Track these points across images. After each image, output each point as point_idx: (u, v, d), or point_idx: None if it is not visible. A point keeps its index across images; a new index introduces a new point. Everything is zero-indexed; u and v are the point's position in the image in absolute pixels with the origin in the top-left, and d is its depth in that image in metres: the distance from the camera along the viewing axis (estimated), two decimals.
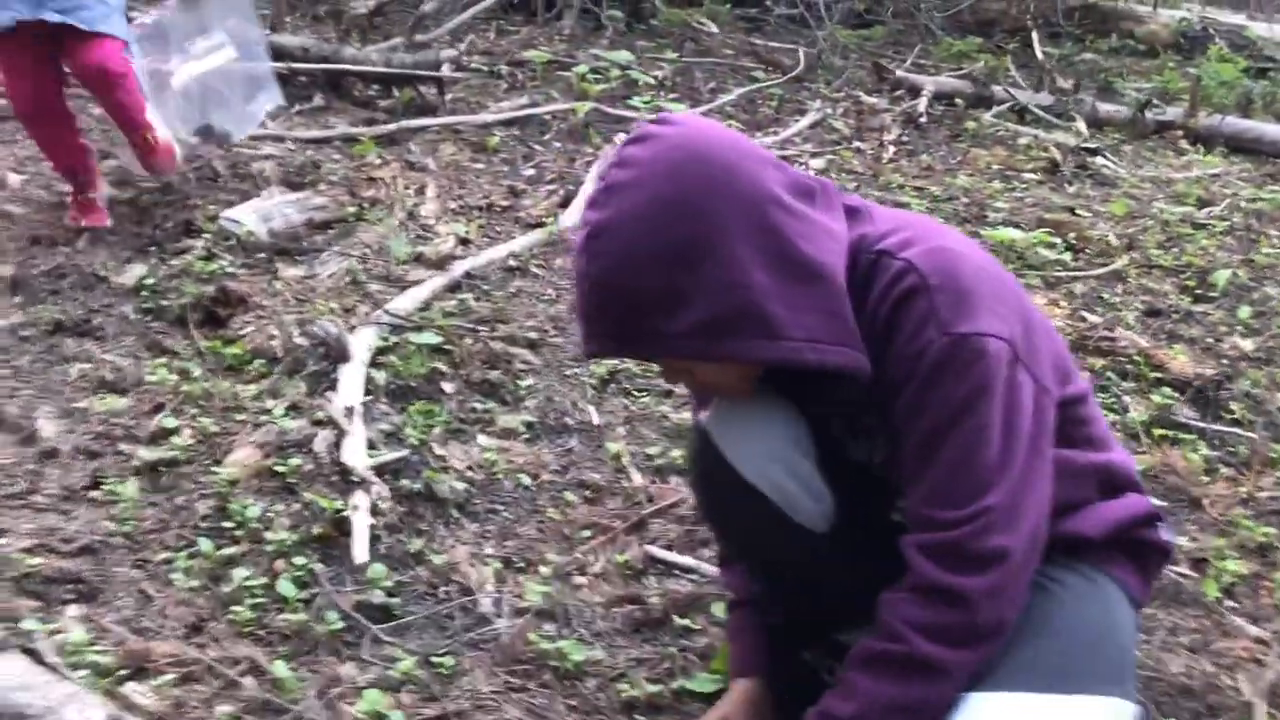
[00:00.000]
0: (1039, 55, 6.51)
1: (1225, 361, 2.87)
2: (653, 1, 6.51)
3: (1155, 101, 5.40)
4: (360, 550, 1.98)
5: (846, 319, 1.35)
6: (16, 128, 3.51)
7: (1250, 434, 2.58)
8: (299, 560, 1.97)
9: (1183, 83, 5.91)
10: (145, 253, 2.98)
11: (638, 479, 2.31)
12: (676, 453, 2.38)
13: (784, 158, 4.32)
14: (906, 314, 1.35)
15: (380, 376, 2.50)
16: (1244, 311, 3.18)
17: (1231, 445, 2.54)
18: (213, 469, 2.19)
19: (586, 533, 2.15)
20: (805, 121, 4.69)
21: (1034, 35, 6.85)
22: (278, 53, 4.47)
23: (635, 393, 2.61)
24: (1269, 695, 1.86)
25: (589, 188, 3.60)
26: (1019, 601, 1.39)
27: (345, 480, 2.16)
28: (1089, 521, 1.50)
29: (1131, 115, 5.30)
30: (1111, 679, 1.39)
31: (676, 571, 2.07)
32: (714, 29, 6.49)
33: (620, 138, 4.11)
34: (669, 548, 2.12)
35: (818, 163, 4.24)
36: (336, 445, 2.24)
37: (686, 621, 1.93)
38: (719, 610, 1.92)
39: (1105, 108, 5.41)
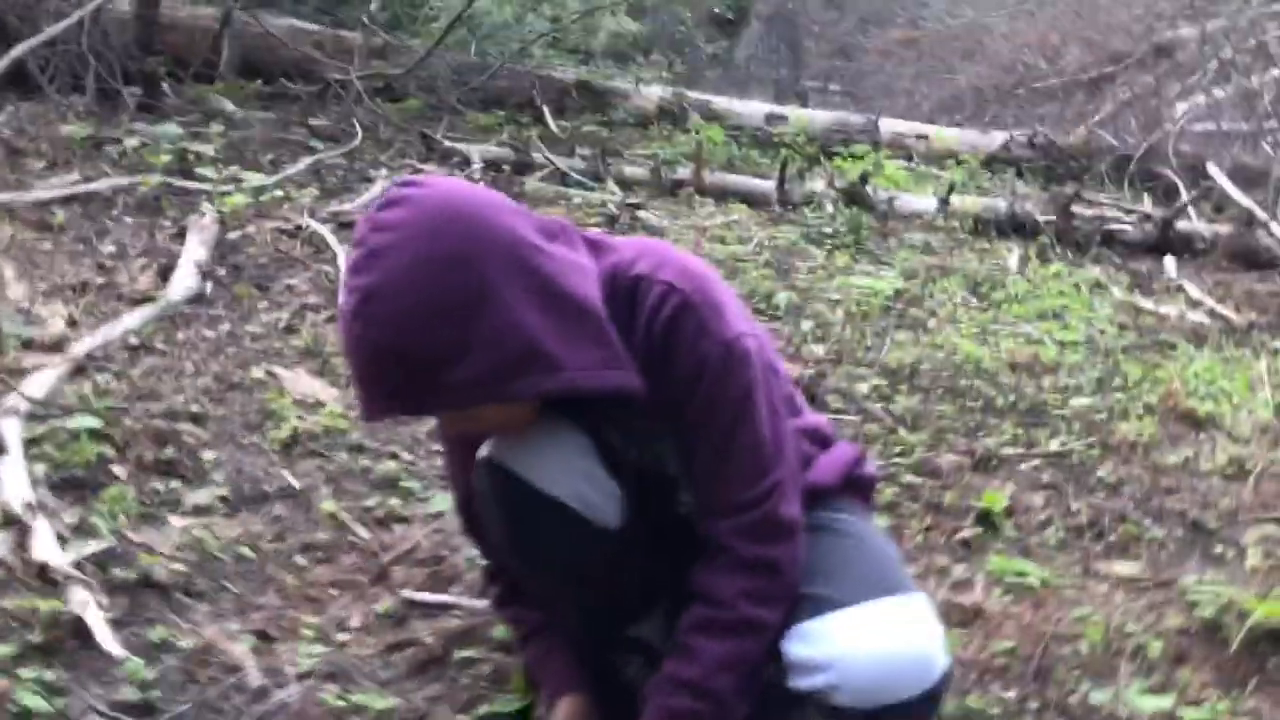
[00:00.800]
0: (553, 128, 7.11)
1: (811, 364, 3.39)
2: (168, 82, 6.20)
3: (666, 163, 6.11)
4: (109, 644, 1.77)
5: (613, 343, 1.51)
6: None
7: (850, 418, 3.09)
8: (26, 673, 1.72)
9: (681, 146, 6.75)
10: None
11: (363, 533, 2.27)
12: (394, 501, 2.38)
13: None
14: (681, 329, 1.53)
15: (40, 469, 2.22)
16: (806, 325, 3.77)
17: (840, 430, 3.03)
18: None
19: (333, 591, 2.09)
20: (376, 189, 4.75)
21: (545, 110, 7.46)
22: None
23: (325, 452, 2.55)
24: None
25: (191, 267, 3.41)
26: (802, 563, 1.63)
27: (45, 581, 1.92)
28: (822, 472, 1.78)
29: (651, 176, 5.95)
30: (911, 581, 1.67)
31: (437, 611, 2.08)
32: (234, 106, 6.32)
33: (201, 208, 3.91)
34: (420, 588, 2.12)
35: None
36: (22, 545, 1.97)
37: (468, 653, 1.95)
38: (499, 633, 1.97)
39: (628, 170, 6.03)
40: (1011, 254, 5.21)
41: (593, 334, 1.48)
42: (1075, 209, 5.66)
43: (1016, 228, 5.65)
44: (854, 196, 5.83)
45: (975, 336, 3.92)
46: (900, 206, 5.89)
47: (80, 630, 1.81)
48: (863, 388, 3.31)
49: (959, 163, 7.32)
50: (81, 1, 5.71)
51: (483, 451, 1.61)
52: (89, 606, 1.83)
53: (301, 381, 2.85)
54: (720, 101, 8.44)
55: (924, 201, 6.03)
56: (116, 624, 1.88)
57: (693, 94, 8.67)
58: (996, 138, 7.72)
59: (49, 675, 1.72)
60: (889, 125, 8.14)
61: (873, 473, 1.90)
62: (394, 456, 2.56)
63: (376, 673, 1.90)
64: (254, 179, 4.32)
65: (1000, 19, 10.25)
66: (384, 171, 5.02)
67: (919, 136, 8.20)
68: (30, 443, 2.29)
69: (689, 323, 1.53)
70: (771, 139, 7.59)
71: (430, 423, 2.75)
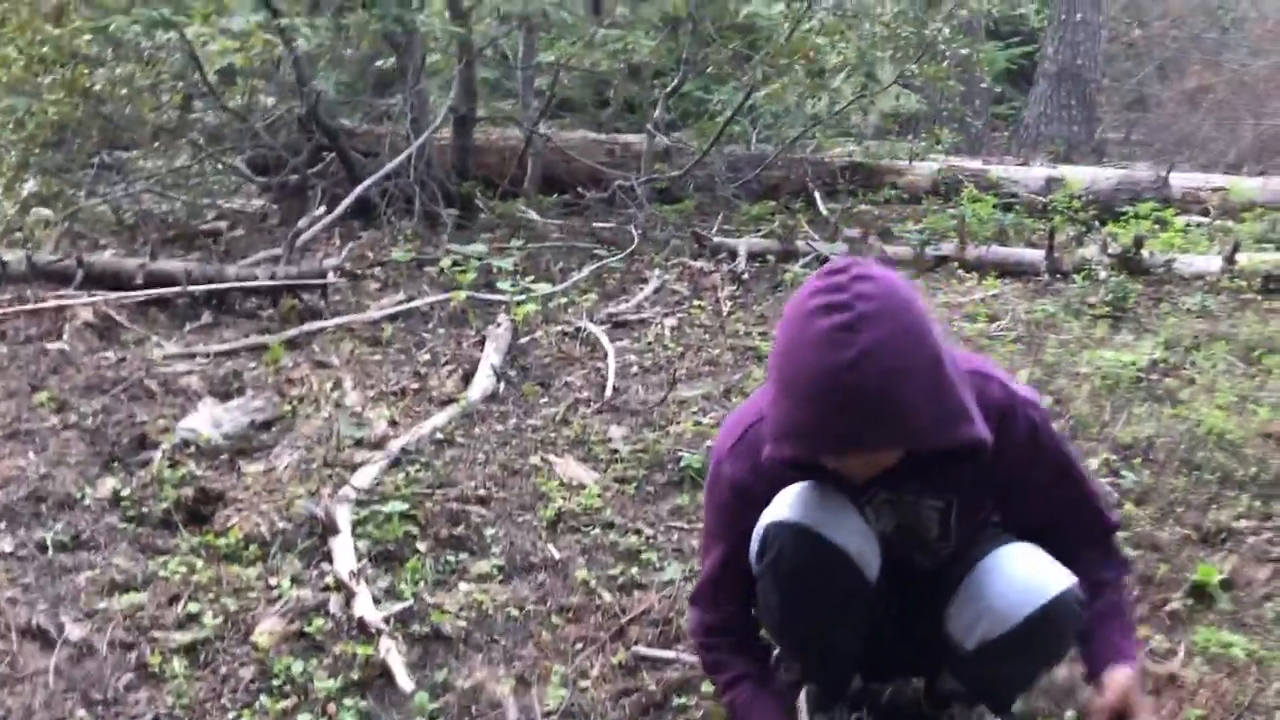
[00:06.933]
0: (823, 211, 7.47)
1: None
2: (480, 199, 7.14)
3: (931, 239, 6.32)
4: (404, 681, 2.31)
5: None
6: None
7: None
8: (348, 702, 2.28)
9: (948, 221, 6.91)
10: (109, 468, 3.22)
11: (607, 597, 2.72)
12: (634, 570, 2.82)
13: (640, 320, 4.91)
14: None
15: (363, 545, 2.83)
16: (1045, 401, 3.89)
17: None
18: (245, 642, 2.46)
19: (579, 645, 2.54)
20: (650, 288, 5.31)
21: (816, 195, 7.85)
22: (160, 279, 4.79)
23: (583, 529, 3.04)
24: None
25: (489, 361, 4.05)
26: None
27: (364, 632, 2.49)
28: None
29: (914, 253, 6.18)
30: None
31: (662, 664, 2.48)
32: (536, 217, 7.15)
33: (498, 318, 4.57)
34: (650, 645, 2.53)
35: (671, 321, 4.85)
36: (348, 604, 2.57)
37: (683, 700, 2.33)
38: (705, 687, 2.33)
39: (891, 249, 6.28)
40: None
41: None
42: None
43: None
44: (1128, 261, 5.79)
45: (1229, 406, 3.88)
46: (1179, 268, 5.78)
47: (385, 671, 2.36)
48: (1092, 463, 3.42)
49: (1261, 215, 6.98)
50: (410, 138, 6.74)
51: (783, 516, 1.95)
52: (392, 653, 2.38)
53: (570, 467, 3.37)
54: (996, 169, 8.48)
55: (1207, 261, 5.87)
56: (412, 667, 2.42)
57: (969, 164, 8.78)
58: None
59: (362, 704, 2.27)
60: (1181, 180, 7.88)
61: None
62: (638, 533, 3.01)
63: (608, 714, 2.31)
64: (543, 288, 4.99)
65: None
66: (657, 272, 5.57)
67: (1214, 189, 7.89)
68: (356, 524, 2.92)
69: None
70: (1045, 207, 7.57)
71: (671, 502, 3.19)
